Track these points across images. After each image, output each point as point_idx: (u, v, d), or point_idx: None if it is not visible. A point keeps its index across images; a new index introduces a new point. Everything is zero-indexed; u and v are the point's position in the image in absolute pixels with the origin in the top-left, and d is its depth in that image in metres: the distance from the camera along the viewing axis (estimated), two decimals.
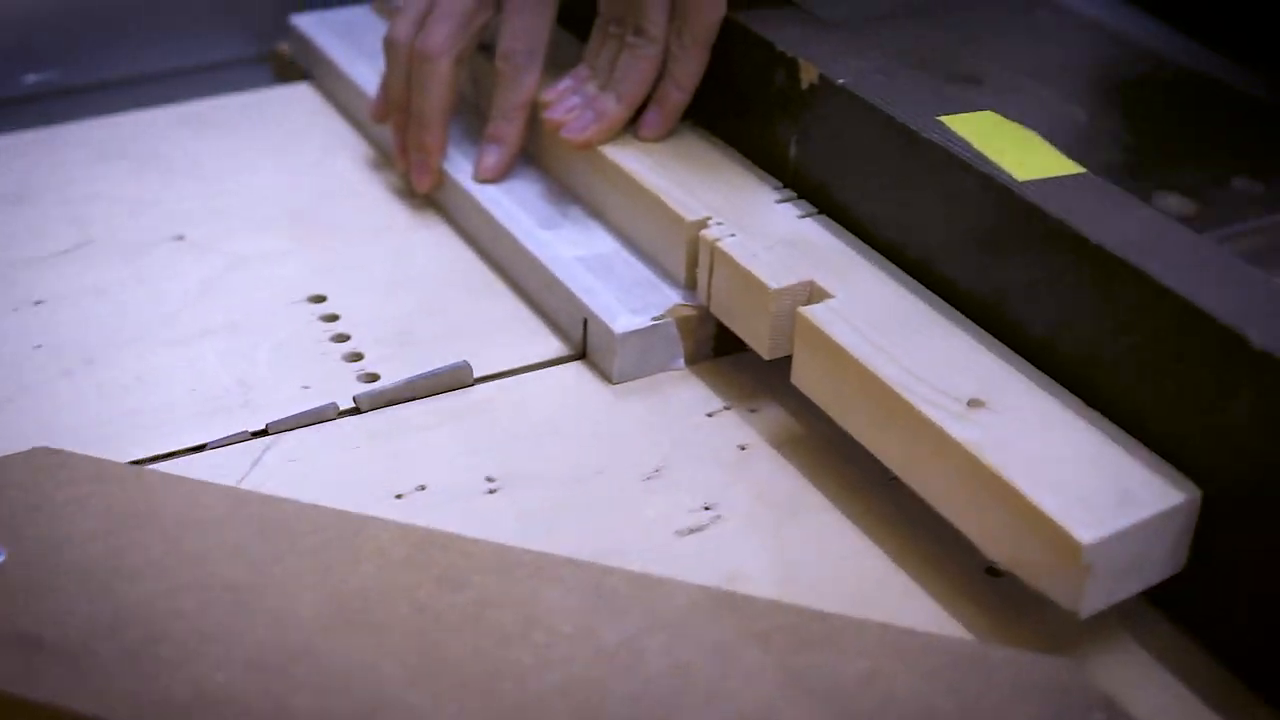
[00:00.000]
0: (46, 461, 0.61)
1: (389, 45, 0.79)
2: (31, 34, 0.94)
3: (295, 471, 0.63)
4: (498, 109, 0.77)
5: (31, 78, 0.95)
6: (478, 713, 0.50)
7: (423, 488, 0.62)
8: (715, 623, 0.54)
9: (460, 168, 0.79)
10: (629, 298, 0.69)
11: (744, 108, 0.73)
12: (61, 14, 0.95)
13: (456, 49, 0.77)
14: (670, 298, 0.69)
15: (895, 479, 0.61)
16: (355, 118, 0.88)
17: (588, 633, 0.53)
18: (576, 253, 0.72)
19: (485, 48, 0.81)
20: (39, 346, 0.70)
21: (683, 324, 0.68)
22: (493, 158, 0.77)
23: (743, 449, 0.64)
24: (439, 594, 0.55)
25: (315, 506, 0.59)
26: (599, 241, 0.73)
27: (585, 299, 0.68)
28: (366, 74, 0.87)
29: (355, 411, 0.66)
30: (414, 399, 0.67)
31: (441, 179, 0.79)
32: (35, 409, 0.67)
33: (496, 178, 0.77)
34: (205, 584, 0.55)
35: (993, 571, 0.59)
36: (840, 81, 0.67)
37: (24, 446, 0.62)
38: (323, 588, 0.55)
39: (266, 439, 0.64)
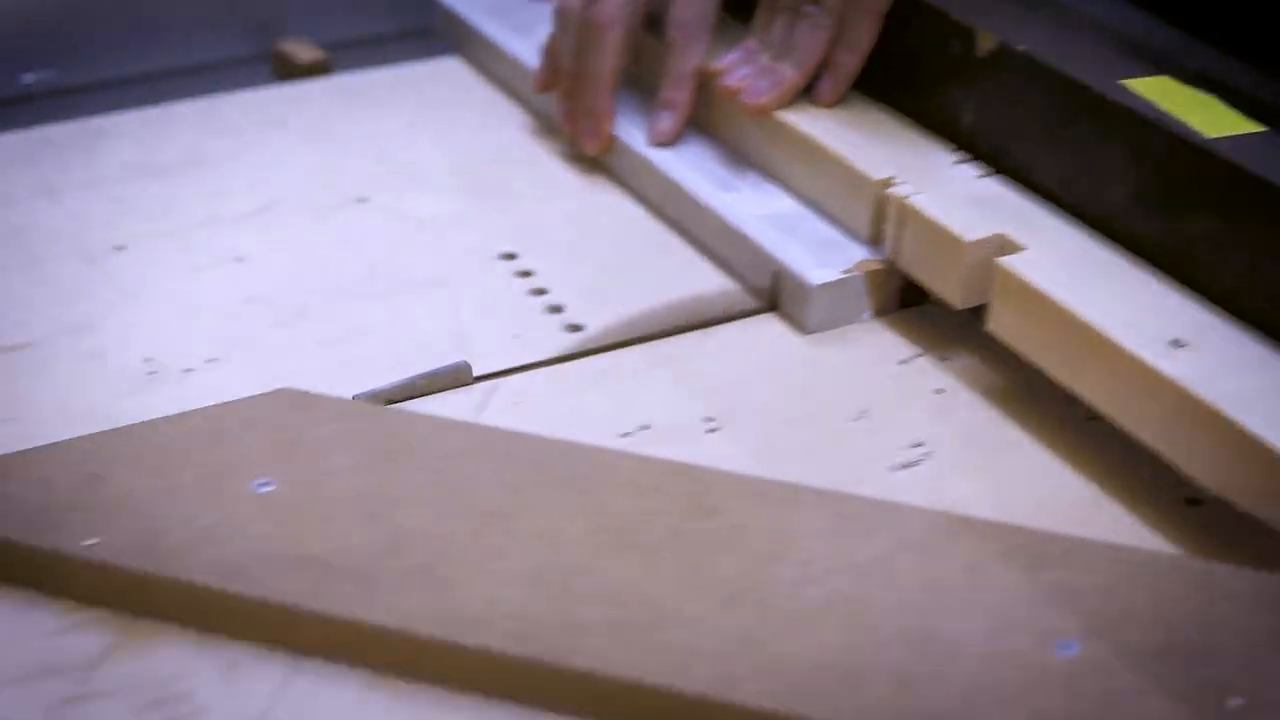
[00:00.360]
0: (294, 401, 0.64)
1: (560, 14, 0.82)
2: (29, 33, 0.95)
3: (521, 414, 0.66)
4: (670, 75, 0.81)
5: (29, 77, 0.96)
6: (753, 625, 0.54)
7: (646, 427, 0.66)
8: (956, 543, 0.57)
9: (631, 134, 0.82)
10: (817, 253, 0.73)
11: (915, 76, 0.77)
12: (60, 14, 0.95)
13: (628, 20, 0.80)
14: (856, 253, 0.73)
15: (1093, 418, 0.65)
16: (511, 88, 0.92)
17: (841, 552, 0.57)
18: (759, 212, 0.75)
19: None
20: (249, 300, 0.73)
21: (870, 277, 0.72)
22: (667, 122, 0.81)
23: (940, 393, 0.68)
24: (693, 520, 0.58)
25: (559, 441, 0.62)
26: (778, 202, 0.76)
27: (777, 253, 0.72)
28: (520, 46, 0.91)
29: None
30: (411, 399, 0.68)
31: (611, 143, 0.82)
32: (255, 358, 0.70)
33: (670, 142, 0.81)
34: (472, 511, 0.58)
35: (1192, 501, 0.63)
36: (1020, 48, 0.71)
37: (254, 391, 0.65)
38: (583, 514, 0.58)
39: (494, 381, 0.68)
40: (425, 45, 0.99)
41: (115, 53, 0.96)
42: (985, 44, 0.72)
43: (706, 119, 0.83)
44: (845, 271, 0.71)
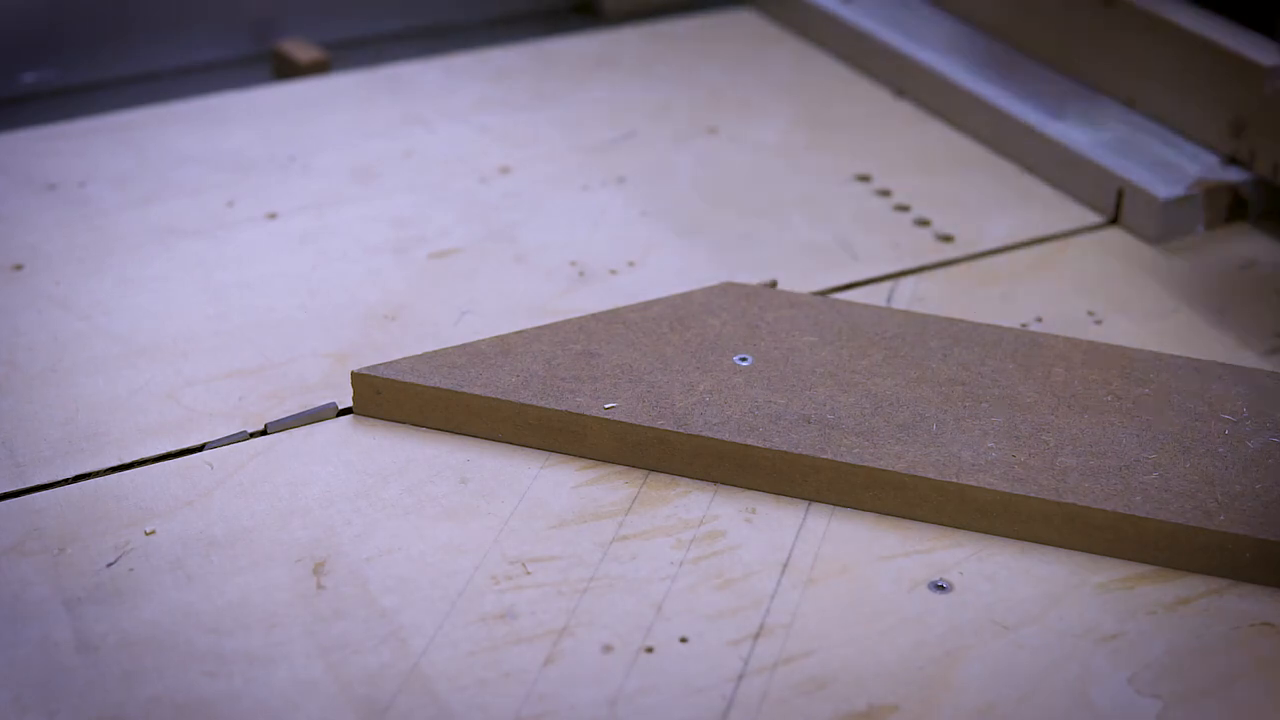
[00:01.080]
0: (740, 292, 0.72)
1: None
2: (29, 33, 0.97)
3: (926, 308, 0.74)
4: None
5: (30, 76, 0.98)
6: (1208, 467, 0.62)
7: (1040, 319, 0.74)
8: None
9: (952, 69, 0.91)
10: (1158, 172, 0.82)
11: None
12: (60, 14, 0.98)
13: None
14: (1191, 173, 0.82)
15: None
16: (813, 36, 1.00)
17: (1262, 414, 0.66)
18: (1094, 137, 0.84)
19: None
20: (644, 213, 0.82)
21: (1208, 194, 0.81)
22: None
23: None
24: (1129, 387, 0.67)
25: (988, 325, 0.71)
26: (1104, 129, 0.85)
27: (1123, 172, 0.81)
28: None
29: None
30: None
31: None
32: (672, 260, 0.78)
33: None
34: (935, 379, 0.67)
35: None
36: None
37: (677, 290, 0.74)
38: (1031, 381, 0.67)
39: (889, 282, 0.77)
40: (425, 45, 1.02)
41: (115, 53, 0.99)
42: None
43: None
44: (1189, 187, 0.81)
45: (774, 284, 0.74)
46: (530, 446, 0.67)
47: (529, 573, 0.61)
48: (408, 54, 1.00)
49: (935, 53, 0.92)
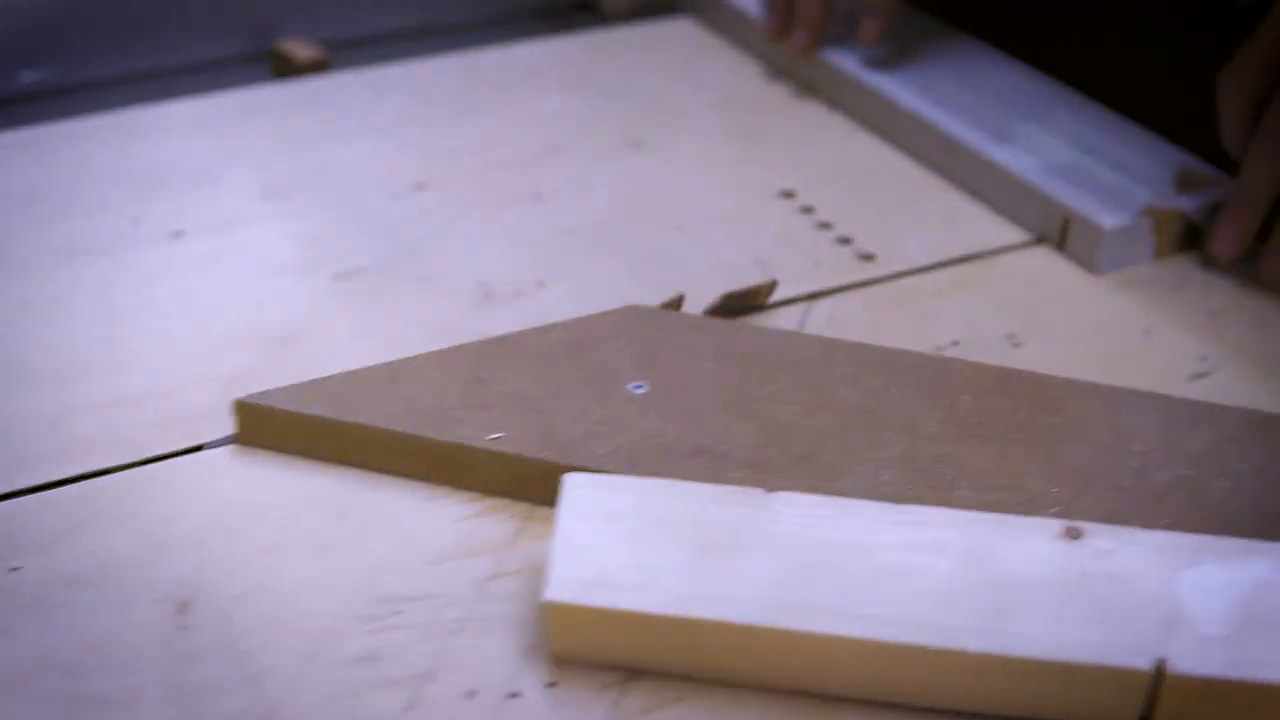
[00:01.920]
0: (643, 315, 0.70)
1: None
2: (29, 33, 0.97)
3: (840, 331, 0.72)
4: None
5: (28, 76, 0.97)
6: (1112, 502, 0.60)
7: (956, 342, 0.72)
8: (1273, 437, 0.64)
9: (895, 89, 0.88)
10: (1104, 199, 0.78)
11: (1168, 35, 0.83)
12: (59, 14, 0.97)
13: None
14: (1141, 199, 0.78)
15: None
16: (748, 45, 0.97)
17: (1173, 444, 0.63)
18: (1039, 161, 0.81)
19: None
20: (559, 231, 0.79)
21: (1157, 221, 0.77)
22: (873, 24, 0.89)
23: (1213, 314, 0.74)
24: (1037, 415, 0.64)
25: (897, 349, 0.68)
26: (1054, 153, 0.82)
27: (1067, 200, 0.77)
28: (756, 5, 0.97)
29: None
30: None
31: (819, 42, 0.90)
32: (581, 281, 0.76)
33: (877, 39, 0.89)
34: (837, 407, 0.64)
35: None
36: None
37: (585, 312, 0.71)
38: (936, 409, 0.64)
39: (804, 303, 0.74)
40: (425, 45, 1.01)
41: (115, 53, 0.98)
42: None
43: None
44: (1137, 215, 0.77)
45: (679, 300, 0.72)
46: (416, 478, 0.64)
47: (399, 613, 0.58)
48: (408, 53, 0.98)
49: (880, 72, 0.90)
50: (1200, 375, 0.70)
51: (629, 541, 0.55)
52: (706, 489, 0.57)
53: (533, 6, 1.07)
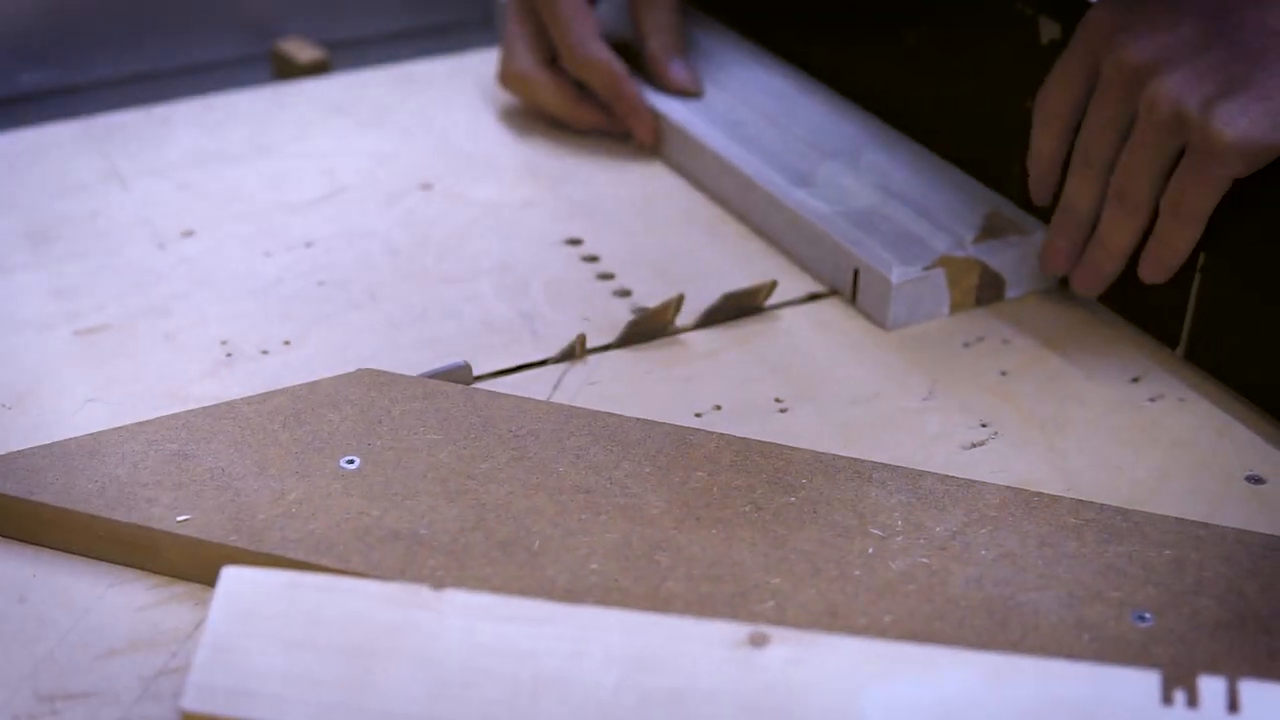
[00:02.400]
0: (374, 380, 0.65)
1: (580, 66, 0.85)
2: (29, 33, 0.95)
3: (595, 394, 0.67)
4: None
5: (28, 76, 0.96)
6: (836, 594, 0.55)
7: (718, 407, 0.67)
8: (1030, 518, 0.59)
9: (696, 125, 0.83)
10: (897, 249, 0.73)
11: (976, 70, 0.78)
12: (60, 14, 0.95)
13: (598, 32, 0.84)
14: (937, 249, 0.73)
15: (1154, 398, 0.67)
16: None
17: (918, 526, 0.58)
18: (836, 208, 0.76)
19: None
20: (322, 283, 0.75)
21: (951, 273, 0.72)
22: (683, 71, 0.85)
23: (1004, 374, 0.69)
24: (773, 495, 0.59)
25: (638, 419, 0.63)
26: (856, 197, 0.77)
27: (856, 250, 0.73)
28: None
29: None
30: None
31: (658, 124, 0.84)
32: (332, 338, 0.71)
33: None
34: (557, 486, 0.59)
35: (1255, 479, 0.64)
36: None
37: (330, 373, 0.67)
38: (665, 489, 0.59)
39: (565, 363, 0.69)
40: (424, 45, 0.99)
41: (115, 53, 0.96)
42: (1048, 34, 0.74)
43: None
44: (926, 268, 0.72)
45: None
46: (108, 560, 0.59)
47: (56, 712, 0.53)
48: (409, 54, 0.96)
49: (683, 103, 0.85)
50: (977, 444, 0.65)
51: (281, 645, 0.50)
52: (373, 586, 0.52)
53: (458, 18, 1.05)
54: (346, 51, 0.99)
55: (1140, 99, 0.67)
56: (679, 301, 0.71)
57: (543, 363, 0.69)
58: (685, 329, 0.72)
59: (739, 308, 0.72)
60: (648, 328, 0.71)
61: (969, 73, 0.78)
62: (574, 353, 0.70)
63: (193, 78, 0.96)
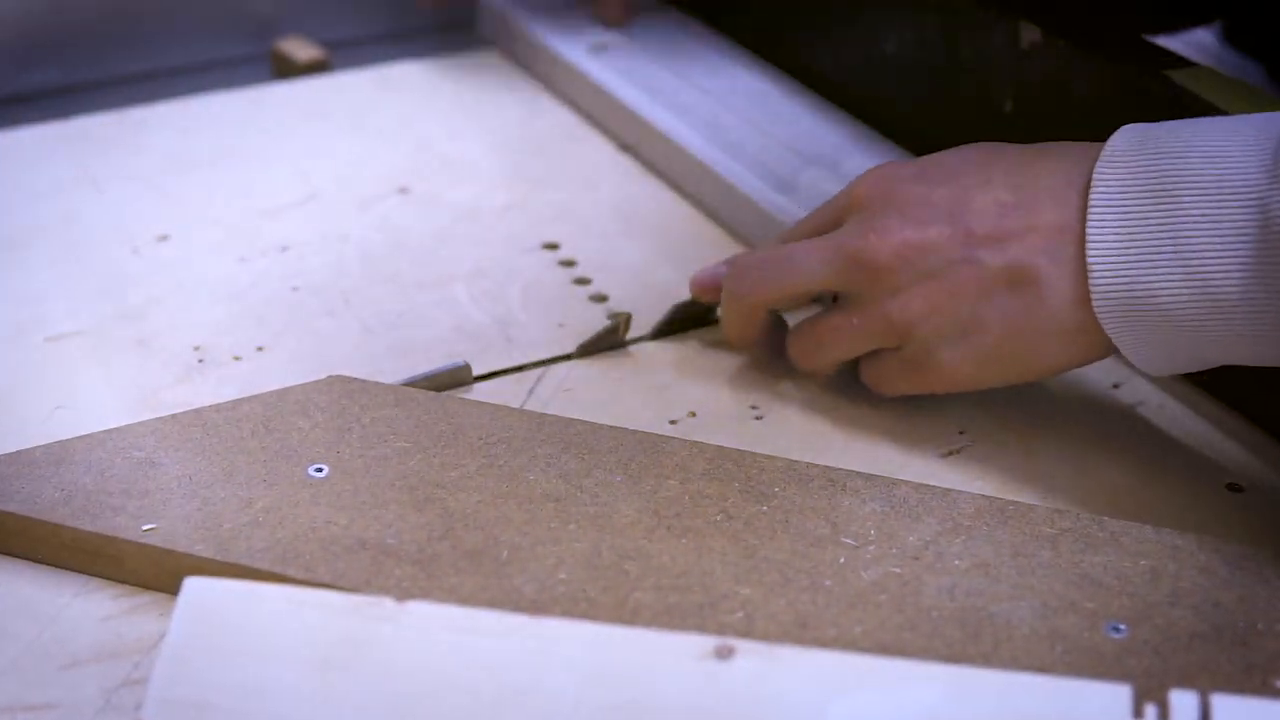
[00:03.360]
0: (345, 388, 0.64)
1: None
2: (29, 33, 0.94)
3: (568, 401, 0.67)
4: None
5: (29, 77, 0.95)
6: (806, 604, 0.54)
7: (693, 414, 0.66)
8: (1004, 527, 0.58)
9: (678, 129, 0.82)
10: None
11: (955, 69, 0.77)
12: (60, 14, 0.95)
13: None
14: None
15: (1134, 405, 0.66)
16: (551, 82, 0.92)
17: (891, 536, 0.57)
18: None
19: None
20: (296, 289, 0.74)
21: None
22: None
23: None
24: (745, 504, 0.59)
25: (610, 427, 0.63)
26: None
27: None
28: (561, 43, 0.92)
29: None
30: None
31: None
32: (305, 344, 0.70)
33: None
34: (526, 495, 0.59)
35: (1234, 487, 0.64)
36: (1064, 42, 0.72)
37: (303, 379, 0.66)
38: (636, 498, 0.59)
39: (537, 370, 0.69)
40: (424, 44, 0.99)
41: (115, 53, 0.96)
42: (1029, 36, 0.73)
43: None
44: None
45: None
46: (73, 569, 0.59)
47: None
48: (409, 54, 0.96)
49: (664, 109, 0.84)
50: (954, 452, 0.64)
51: (241, 657, 0.50)
52: (335, 598, 0.51)
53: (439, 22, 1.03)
54: (347, 52, 0.98)
55: (875, 296, 0.64)
56: (627, 320, 0.70)
57: (517, 368, 0.69)
58: (643, 339, 0.72)
59: (690, 319, 0.71)
60: (684, 320, 0.71)
61: (950, 77, 0.78)
62: (617, 332, 0.70)
63: (193, 78, 0.95)
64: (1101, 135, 0.67)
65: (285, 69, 0.97)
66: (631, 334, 0.71)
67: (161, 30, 0.97)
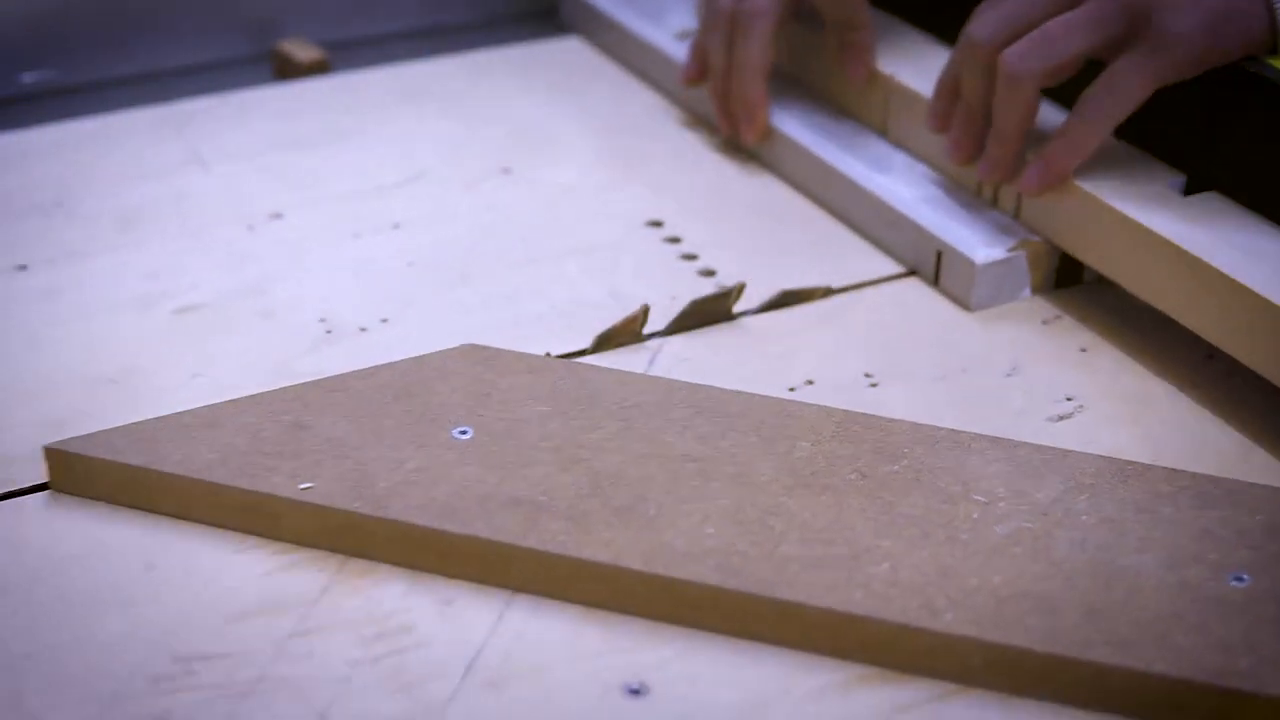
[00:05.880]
0: (479, 355, 0.67)
1: (708, 8, 0.84)
2: (29, 33, 0.95)
3: (687, 371, 0.69)
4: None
5: (29, 77, 0.97)
6: (946, 556, 0.57)
7: (810, 382, 0.69)
8: (1125, 485, 0.61)
9: (777, 112, 0.85)
10: (979, 232, 0.75)
11: None
12: (59, 14, 0.96)
13: (779, 10, 0.82)
14: (1016, 233, 0.75)
15: (1234, 373, 0.69)
16: (637, 68, 0.95)
17: (1019, 493, 0.60)
18: (915, 193, 0.78)
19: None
20: (412, 264, 0.76)
21: (1032, 256, 0.74)
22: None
23: (1084, 351, 0.71)
24: (878, 463, 0.61)
25: (737, 392, 0.65)
26: (932, 184, 0.79)
27: (940, 233, 0.75)
28: (649, 29, 0.94)
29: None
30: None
31: (768, 133, 0.84)
32: (428, 316, 0.73)
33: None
34: (666, 455, 0.61)
35: None
36: None
37: (429, 349, 0.68)
38: (771, 458, 0.61)
39: (655, 341, 0.71)
40: (428, 44, 1.00)
41: (115, 53, 0.97)
42: None
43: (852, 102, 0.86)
44: (1010, 249, 0.74)
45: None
46: (229, 528, 0.61)
47: (193, 672, 0.55)
48: (409, 54, 0.97)
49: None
50: (1064, 417, 0.67)
51: None
52: None
53: (533, 8, 1.05)
54: (347, 51, 1.00)
55: None
56: (740, 289, 0.73)
57: (646, 337, 0.72)
58: (770, 306, 0.74)
59: (708, 314, 0.73)
60: (705, 310, 0.73)
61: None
62: (729, 298, 0.72)
63: (193, 78, 0.97)
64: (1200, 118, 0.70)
65: (285, 69, 0.98)
66: (648, 328, 0.72)
67: (161, 31, 0.98)
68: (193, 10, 0.99)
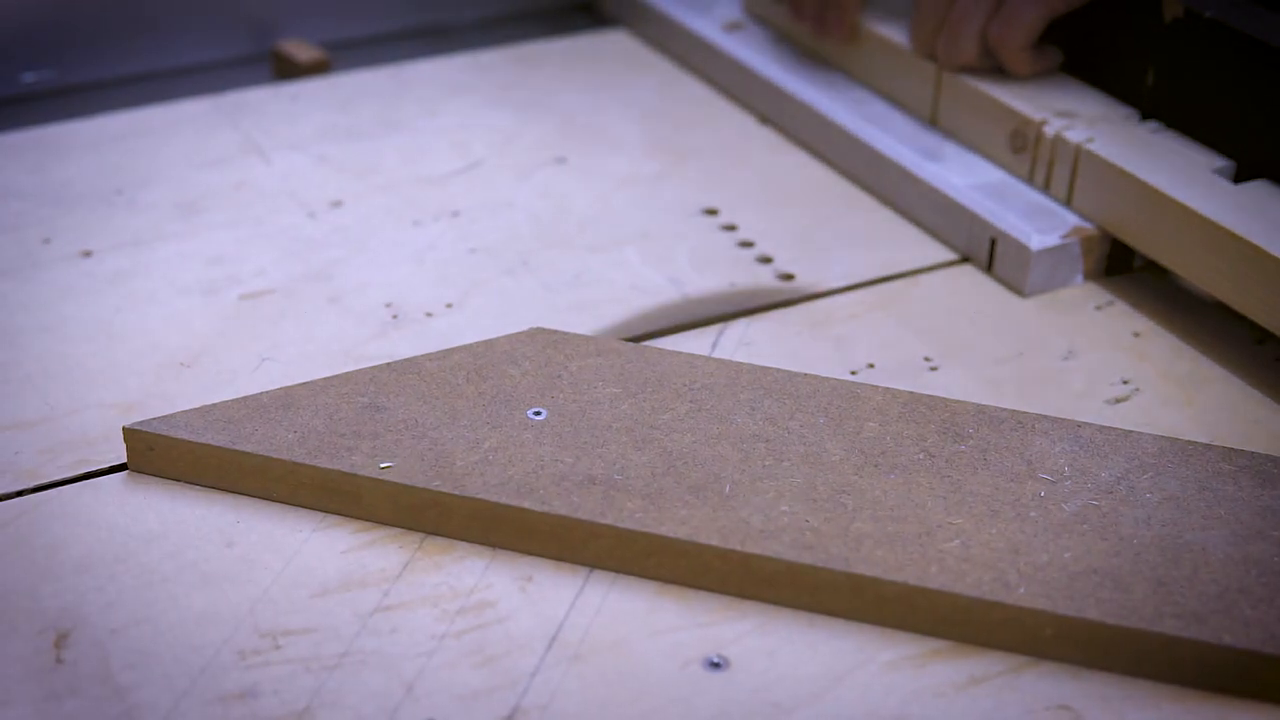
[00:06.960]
0: (548, 338, 0.68)
1: None
2: (29, 33, 0.96)
3: (750, 354, 0.70)
4: None
5: (29, 77, 0.97)
6: (1016, 533, 0.58)
7: (871, 365, 0.70)
8: (1186, 464, 0.62)
9: (820, 100, 0.86)
10: (1032, 219, 0.76)
11: (1097, 43, 0.81)
12: (59, 13, 0.96)
13: None
14: (1068, 220, 0.76)
15: None
16: (685, 59, 0.96)
17: (1084, 472, 0.61)
18: (968, 181, 0.79)
19: None
20: (473, 250, 0.78)
21: (1085, 243, 0.76)
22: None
23: (1137, 335, 0.73)
24: (944, 443, 0.62)
25: (803, 374, 0.66)
26: (983, 172, 0.80)
27: (994, 220, 0.76)
28: (698, 21, 0.96)
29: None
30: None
31: (858, 32, 0.87)
32: (492, 302, 0.74)
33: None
34: (737, 435, 0.63)
35: None
36: (1209, 14, 0.75)
37: (494, 334, 0.70)
38: (840, 438, 0.63)
39: (718, 325, 0.72)
40: (425, 45, 1.01)
41: (115, 53, 0.98)
42: (1171, 11, 0.77)
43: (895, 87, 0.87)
44: (1064, 236, 0.75)
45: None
46: (307, 507, 0.62)
47: (279, 647, 0.56)
48: (408, 54, 0.98)
49: (804, 83, 0.88)
50: (1121, 400, 0.68)
51: None
52: None
53: (533, 9, 1.06)
54: (347, 51, 1.00)
55: None
56: None
57: (697, 324, 0.73)
58: (829, 292, 0.75)
59: None
60: None
61: (1095, 49, 0.81)
62: None
63: (193, 78, 0.98)
64: (1249, 101, 0.71)
65: (285, 69, 0.98)
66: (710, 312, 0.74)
67: (161, 31, 0.99)
68: (193, 10, 0.99)
